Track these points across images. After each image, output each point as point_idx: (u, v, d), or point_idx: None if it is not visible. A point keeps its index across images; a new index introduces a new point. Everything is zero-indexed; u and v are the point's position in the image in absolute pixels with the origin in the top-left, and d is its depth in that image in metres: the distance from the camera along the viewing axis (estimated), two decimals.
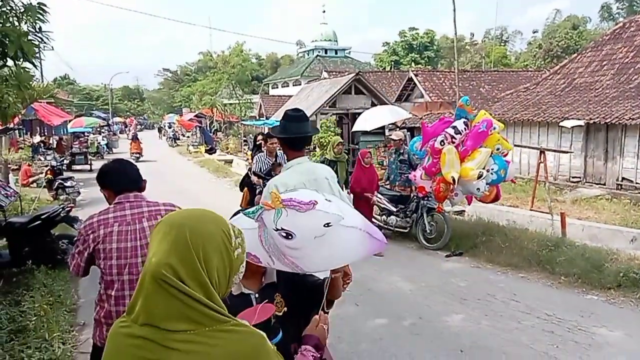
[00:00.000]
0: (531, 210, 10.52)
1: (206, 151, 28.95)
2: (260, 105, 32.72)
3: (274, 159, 7.09)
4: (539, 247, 7.19)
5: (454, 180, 6.90)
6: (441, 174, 7.14)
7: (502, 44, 60.07)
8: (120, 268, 2.53)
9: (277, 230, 1.81)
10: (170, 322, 1.18)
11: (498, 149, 7.20)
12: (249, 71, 41.78)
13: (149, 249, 1.28)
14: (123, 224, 2.57)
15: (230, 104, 37.80)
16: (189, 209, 1.39)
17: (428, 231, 8.20)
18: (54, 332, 4.76)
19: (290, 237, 1.81)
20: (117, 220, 2.57)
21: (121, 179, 2.72)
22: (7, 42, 4.61)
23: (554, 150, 13.61)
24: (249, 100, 38.58)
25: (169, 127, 44.82)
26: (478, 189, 7.04)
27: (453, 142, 7.10)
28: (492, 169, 7.12)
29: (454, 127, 7.18)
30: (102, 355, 1.28)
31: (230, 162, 25.27)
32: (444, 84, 24.73)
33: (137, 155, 24.94)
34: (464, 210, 10.59)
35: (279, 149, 6.84)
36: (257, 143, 8.32)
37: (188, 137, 37.44)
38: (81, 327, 5.25)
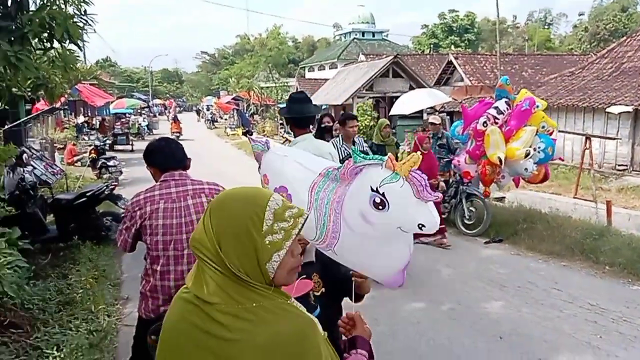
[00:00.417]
0: (575, 198, 10.21)
1: (243, 133, 29.23)
2: (297, 89, 32.70)
3: (351, 146, 5.95)
4: (583, 235, 6.99)
5: (500, 161, 6.70)
6: (486, 156, 6.97)
7: (546, 26, 58.18)
8: (165, 244, 2.58)
9: (375, 191, 1.60)
10: (209, 294, 1.21)
11: (543, 127, 7.00)
12: (286, 54, 41.85)
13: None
14: (169, 201, 2.62)
15: (267, 87, 37.95)
16: (236, 187, 1.34)
17: (467, 217, 8.07)
18: (100, 304, 4.94)
19: (380, 208, 1.62)
20: (163, 197, 2.62)
21: (167, 157, 2.76)
22: (55, 24, 4.71)
23: (600, 137, 13.15)
24: (285, 84, 38.62)
25: (207, 110, 45.38)
26: (526, 169, 6.86)
27: (496, 123, 6.92)
28: (539, 148, 6.93)
29: (496, 108, 6.98)
30: (165, 317, 1.32)
31: None
32: (484, 67, 24.13)
33: (177, 134, 26.00)
34: (504, 197, 10.37)
35: (358, 135, 6.23)
36: (322, 126, 6.91)
37: (225, 119, 37.86)
38: (125, 301, 5.43)
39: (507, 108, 6.99)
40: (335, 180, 1.84)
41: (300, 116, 3.73)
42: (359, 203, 1.67)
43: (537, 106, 7.00)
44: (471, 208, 8.09)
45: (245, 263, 1.21)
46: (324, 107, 24.45)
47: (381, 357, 4.12)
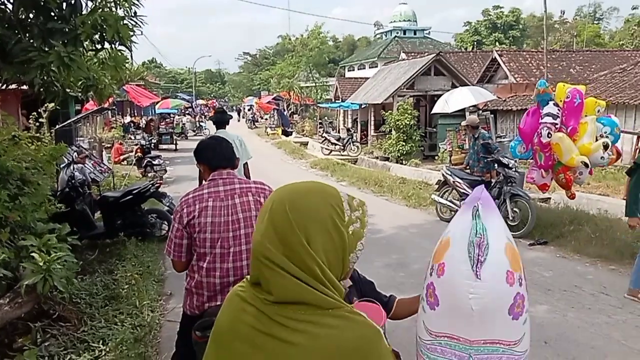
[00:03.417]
0: (624, 199, 9.77)
1: (283, 133, 29.46)
2: (337, 88, 32.68)
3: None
4: (634, 238, 6.71)
5: (586, 164, 6.64)
6: (560, 163, 6.89)
7: (596, 22, 56.07)
8: (213, 241, 2.62)
9: None
10: (274, 296, 1.15)
11: (599, 111, 6.88)
12: (326, 54, 41.82)
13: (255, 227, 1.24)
14: (217, 199, 2.66)
15: (307, 86, 38.10)
16: (295, 182, 1.27)
17: (511, 218, 7.86)
18: (144, 300, 5.08)
19: None
20: (211, 195, 2.67)
21: (216, 156, 2.81)
22: (106, 26, 4.86)
23: None
24: (325, 83, 38.69)
25: (249, 110, 45.98)
26: (602, 157, 6.75)
27: (557, 129, 6.82)
28: (606, 132, 6.81)
29: (549, 114, 6.85)
30: (219, 314, 1.28)
31: (305, 144, 25.59)
32: (530, 64, 23.47)
33: None
34: (549, 198, 10.06)
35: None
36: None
37: (266, 119, 38.24)
38: (168, 297, 5.56)
39: (558, 110, 6.85)
40: None
41: (218, 119, 6.52)
42: None
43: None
44: (515, 209, 7.89)
45: (330, 258, 1.16)
46: (363, 105, 24.37)
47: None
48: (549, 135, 6.77)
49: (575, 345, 4.36)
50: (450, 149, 15.98)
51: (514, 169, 8.01)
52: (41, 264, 3.62)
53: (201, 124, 35.40)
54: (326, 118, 30.71)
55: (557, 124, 6.83)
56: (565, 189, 7.36)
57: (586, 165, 6.61)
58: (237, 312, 1.20)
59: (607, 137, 6.81)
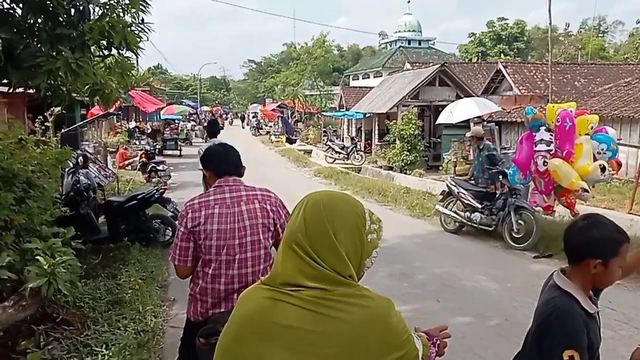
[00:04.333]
0: (629, 213, 9.75)
1: (287, 141, 29.52)
2: (341, 97, 32.79)
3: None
4: None
5: (586, 190, 6.75)
6: (561, 187, 6.97)
7: (600, 35, 56.14)
8: (218, 248, 2.61)
9: None
10: (294, 283, 1.28)
11: (592, 128, 6.90)
12: (331, 62, 42.03)
13: (289, 221, 1.40)
14: (223, 206, 2.65)
15: (311, 95, 38.22)
16: (329, 190, 1.47)
17: (515, 230, 7.84)
18: (147, 305, 5.06)
19: None
20: (218, 202, 2.66)
21: (222, 163, 2.81)
22: (113, 32, 4.89)
23: None
24: (329, 92, 38.81)
25: (253, 117, 46.14)
26: (604, 174, 6.83)
27: (552, 155, 6.85)
28: (602, 149, 6.86)
29: (542, 141, 6.92)
30: (235, 313, 1.37)
31: (309, 152, 25.63)
32: (535, 76, 23.49)
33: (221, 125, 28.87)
34: (554, 210, 10.02)
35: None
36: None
37: (270, 126, 38.34)
38: (171, 303, 5.55)
39: (550, 135, 6.91)
40: None
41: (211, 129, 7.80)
42: None
43: (571, 111, 6.95)
44: (520, 221, 7.87)
45: (350, 253, 1.33)
46: (368, 114, 24.43)
47: None
48: (545, 164, 6.85)
49: None
50: (455, 160, 15.96)
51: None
52: (46, 267, 3.61)
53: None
54: (330, 126, 30.79)
55: (551, 150, 6.92)
56: (569, 209, 7.39)
57: (586, 191, 6.69)
58: (253, 307, 1.32)
59: (604, 153, 6.87)
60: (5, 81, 5.53)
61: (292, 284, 1.28)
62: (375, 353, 1.28)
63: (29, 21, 5.09)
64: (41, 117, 11.80)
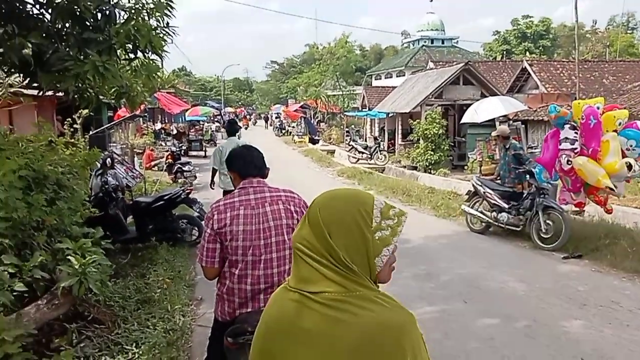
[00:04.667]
0: None
1: (310, 141, 29.57)
2: (364, 97, 32.69)
3: None
4: None
5: (611, 189, 6.58)
6: (588, 185, 6.82)
7: (629, 31, 54.75)
8: (245, 249, 2.63)
9: None
10: (313, 285, 1.27)
11: (620, 124, 6.70)
12: (353, 62, 41.89)
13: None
14: (248, 207, 2.67)
15: (334, 95, 38.20)
16: (335, 189, 1.40)
17: (544, 230, 7.69)
18: (176, 304, 5.12)
19: None
20: (242, 204, 2.68)
21: (247, 164, 2.84)
22: (139, 36, 4.97)
23: None
24: (351, 92, 38.72)
25: (276, 118, 46.35)
26: (631, 172, 6.66)
27: (576, 153, 6.70)
28: (631, 145, 6.66)
29: (566, 139, 6.78)
30: (263, 313, 1.39)
31: (332, 152, 25.62)
32: (561, 74, 23.02)
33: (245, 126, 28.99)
34: (583, 210, 9.81)
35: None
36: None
37: (293, 127, 38.48)
38: (199, 302, 5.60)
39: (575, 133, 6.76)
40: None
41: (230, 128, 8.03)
42: None
43: (598, 107, 6.77)
44: (548, 221, 7.72)
45: (353, 256, 1.27)
46: (391, 114, 24.30)
47: None
48: (569, 163, 6.70)
49: None
50: (481, 159, 15.77)
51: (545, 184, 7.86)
52: (77, 266, 3.68)
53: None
54: (353, 126, 30.71)
55: (575, 148, 6.77)
56: (600, 206, 7.24)
57: (611, 189, 6.52)
58: (279, 309, 1.34)
59: (633, 149, 6.69)
60: (35, 85, 5.68)
61: (307, 286, 1.28)
62: None
63: (57, 26, 5.21)
64: (70, 119, 12.07)
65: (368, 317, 1.23)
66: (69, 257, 3.76)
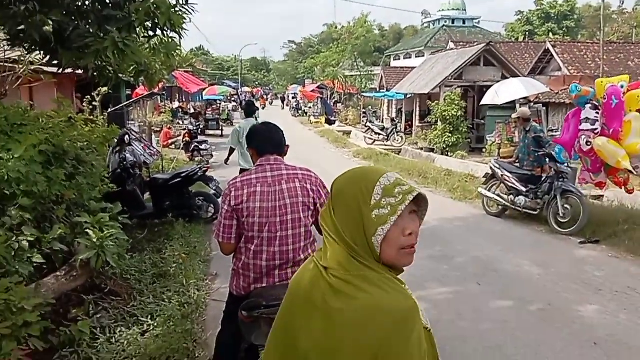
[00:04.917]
0: None
1: (326, 122, 29.46)
2: (382, 77, 32.37)
3: None
4: None
5: (630, 171, 6.53)
6: (609, 165, 6.74)
7: None
8: (261, 226, 2.65)
9: None
10: (325, 260, 1.30)
11: None
12: (372, 42, 41.45)
13: None
14: (265, 185, 2.68)
15: (351, 75, 37.89)
16: (354, 168, 1.41)
17: (561, 214, 7.60)
18: (191, 279, 5.21)
19: None
20: (259, 181, 2.69)
21: (265, 141, 2.84)
22: (159, 13, 4.96)
23: None
24: (369, 72, 38.36)
25: (293, 98, 46.20)
26: None
27: (596, 134, 6.58)
28: None
29: (587, 119, 6.65)
30: (292, 278, 1.44)
31: (348, 133, 25.52)
32: (585, 56, 22.52)
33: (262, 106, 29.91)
34: (602, 195, 9.68)
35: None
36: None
37: (310, 107, 38.36)
38: (214, 277, 5.68)
39: (597, 113, 6.63)
40: None
41: (248, 109, 7.79)
42: None
43: (622, 86, 6.62)
44: (566, 205, 7.63)
45: (354, 234, 1.26)
46: (409, 95, 24.05)
47: (465, 354, 4.04)
48: (588, 144, 6.59)
49: (627, 349, 4.20)
50: (499, 142, 15.56)
51: (566, 164, 7.73)
52: (95, 240, 3.75)
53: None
54: (370, 107, 30.49)
55: (596, 129, 6.65)
56: (620, 187, 7.14)
57: (630, 171, 6.40)
58: (306, 276, 1.36)
59: None
60: (55, 62, 5.72)
61: (323, 260, 1.31)
62: (368, 348, 1.18)
63: (78, 3, 5.22)
64: (89, 96, 12.16)
65: (364, 300, 1.20)
66: (87, 230, 3.82)
